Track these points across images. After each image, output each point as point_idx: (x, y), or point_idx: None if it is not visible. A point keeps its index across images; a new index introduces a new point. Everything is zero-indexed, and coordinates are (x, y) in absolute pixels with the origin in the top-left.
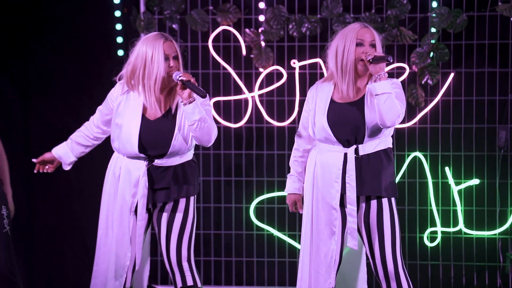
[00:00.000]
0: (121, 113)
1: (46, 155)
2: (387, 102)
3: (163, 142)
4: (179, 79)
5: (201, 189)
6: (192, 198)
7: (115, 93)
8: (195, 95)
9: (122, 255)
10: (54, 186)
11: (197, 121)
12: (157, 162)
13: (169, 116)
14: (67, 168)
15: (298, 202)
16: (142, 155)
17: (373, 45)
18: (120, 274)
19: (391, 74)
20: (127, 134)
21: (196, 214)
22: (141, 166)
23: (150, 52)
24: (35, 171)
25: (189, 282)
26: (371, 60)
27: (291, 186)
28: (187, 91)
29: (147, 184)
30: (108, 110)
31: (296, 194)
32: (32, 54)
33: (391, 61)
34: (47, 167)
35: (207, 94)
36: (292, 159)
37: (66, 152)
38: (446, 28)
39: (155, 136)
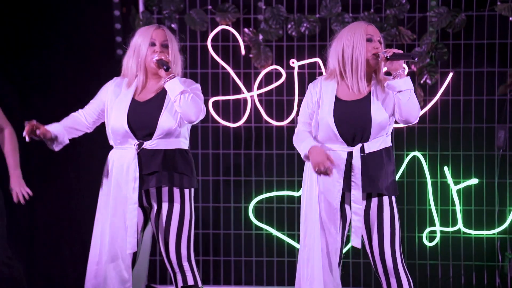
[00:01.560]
0: (113, 100)
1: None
2: (410, 99)
3: (150, 121)
4: (155, 59)
5: (200, 189)
6: (187, 191)
7: (109, 85)
8: (188, 82)
9: (120, 244)
10: (52, 185)
11: (179, 95)
12: (146, 144)
13: (158, 98)
14: (56, 146)
15: (329, 156)
16: (132, 135)
17: (380, 42)
18: (123, 261)
19: (388, 74)
20: (116, 115)
21: (195, 213)
22: (132, 151)
23: (139, 40)
24: (25, 132)
25: (190, 281)
26: (388, 57)
27: (312, 142)
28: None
29: (137, 167)
30: (100, 101)
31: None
32: (31, 54)
33: (416, 60)
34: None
35: (169, 67)
36: (300, 133)
37: (61, 133)
38: (445, 28)
39: (143, 115)
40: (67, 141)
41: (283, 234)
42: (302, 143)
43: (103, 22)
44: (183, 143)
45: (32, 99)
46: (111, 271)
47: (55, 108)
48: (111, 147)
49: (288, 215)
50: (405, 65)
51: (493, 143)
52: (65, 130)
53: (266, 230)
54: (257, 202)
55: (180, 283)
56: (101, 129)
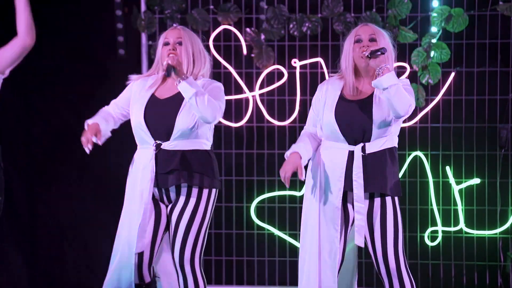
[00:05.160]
0: (137, 95)
1: (91, 126)
2: (396, 94)
3: (167, 119)
4: (164, 64)
5: None
6: (205, 191)
7: (136, 80)
8: (206, 80)
9: (133, 243)
10: (54, 186)
11: (193, 95)
12: (165, 145)
13: (177, 97)
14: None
15: (299, 168)
16: (147, 129)
17: (373, 39)
18: (131, 259)
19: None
20: (135, 110)
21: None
22: (150, 152)
23: (159, 41)
24: (88, 148)
25: (191, 285)
26: (369, 56)
27: (300, 146)
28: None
29: (154, 168)
30: (125, 98)
31: (299, 156)
32: (33, 54)
33: (385, 52)
34: (95, 140)
35: (173, 72)
36: (303, 135)
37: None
38: (446, 28)
39: (160, 112)
40: (109, 134)
41: (285, 234)
42: (295, 144)
43: (105, 21)
44: (205, 144)
45: (33, 99)
46: (123, 271)
47: (56, 108)
48: (114, 149)
49: (290, 215)
50: (407, 65)
51: (495, 143)
52: (107, 121)
53: (268, 230)
54: (259, 202)
55: (181, 285)
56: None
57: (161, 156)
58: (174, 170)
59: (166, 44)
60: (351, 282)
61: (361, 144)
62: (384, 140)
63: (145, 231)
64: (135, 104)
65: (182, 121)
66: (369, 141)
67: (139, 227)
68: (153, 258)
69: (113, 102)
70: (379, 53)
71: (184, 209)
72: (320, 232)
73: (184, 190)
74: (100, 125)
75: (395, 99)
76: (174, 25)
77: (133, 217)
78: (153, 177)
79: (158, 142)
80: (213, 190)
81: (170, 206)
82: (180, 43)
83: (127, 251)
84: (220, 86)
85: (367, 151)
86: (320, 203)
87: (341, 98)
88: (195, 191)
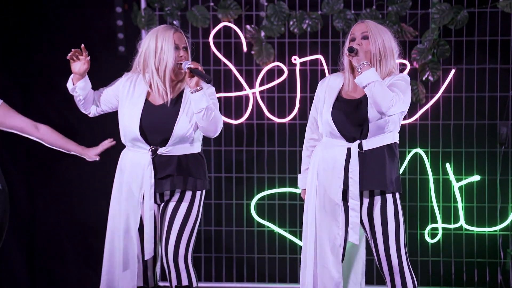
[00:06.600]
0: (127, 100)
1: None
2: (376, 90)
3: (165, 126)
4: (187, 67)
5: None
6: (198, 193)
7: (122, 81)
8: (203, 83)
9: (131, 248)
10: (55, 184)
11: (204, 109)
12: (161, 150)
13: (174, 103)
14: (75, 87)
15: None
16: (143, 140)
17: (365, 37)
18: (129, 266)
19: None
20: (129, 118)
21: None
22: (146, 157)
23: (160, 43)
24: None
25: (184, 282)
26: (348, 54)
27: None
28: (195, 79)
29: (152, 174)
30: (112, 92)
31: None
32: (33, 51)
33: (353, 51)
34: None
35: (212, 82)
36: (305, 152)
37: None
38: (447, 25)
39: (157, 120)
40: (87, 95)
41: (285, 231)
42: (302, 166)
43: (105, 18)
44: (197, 147)
45: (34, 96)
46: (123, 279)
47: (57, 104)
48: (114, 145)
49: (290, 212)
50: (407, 62)
51: (495, 140)
52: (90, 91)
53: (268, 227)
54: (259, 199)
55: (174, 282)
56: (102, 126)
57: (156, 160)
58: (170, 175)
59: (177, 48)
60: (359, 281)
61: (358, 141)
62: (382, 136)
63: (153, 236)
64: (127, 109)
65: (180, 129)
66: (366, 138)
67: (147, 234)
68: (157, 262)
69: (100, 90)
70: (351, 51)
71: (177, 209)
72: (317, 229)
73: (178, 192)
74: (87, 82)
75: (375, 96)
76: (175, 22)
77: (129, 221)
78: (153, 183)
79: (154, 147)
80: (204, 191)
81: (162, 204)
82: (186, 48)
83: (127, 256)
84: (214, 90)
85: (364, 148)
86: (320, 201)
87: (338, 97)
88: (188, 193)
